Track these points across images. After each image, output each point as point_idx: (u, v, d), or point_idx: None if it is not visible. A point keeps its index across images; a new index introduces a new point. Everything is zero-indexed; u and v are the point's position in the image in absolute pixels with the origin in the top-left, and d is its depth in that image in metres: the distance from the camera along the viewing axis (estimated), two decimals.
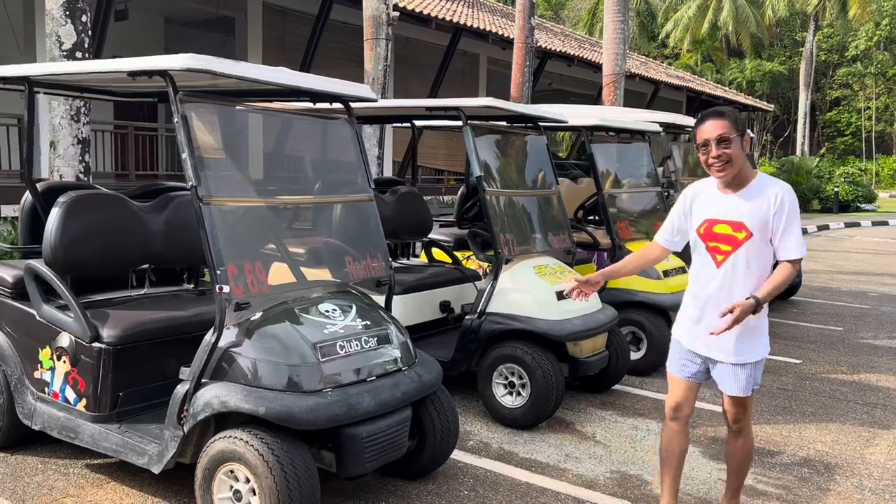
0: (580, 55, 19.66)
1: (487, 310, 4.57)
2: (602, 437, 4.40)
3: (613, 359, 5.06)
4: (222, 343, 3.01)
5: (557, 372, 4.40)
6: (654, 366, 5.67)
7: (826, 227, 20.06)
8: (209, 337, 3.00)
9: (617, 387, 5.32)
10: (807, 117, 35.34)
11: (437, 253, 6.07)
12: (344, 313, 3.33)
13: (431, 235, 6.37)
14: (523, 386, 4.42)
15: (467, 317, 4.62)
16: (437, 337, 5.02)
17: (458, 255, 5.93)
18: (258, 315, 3.10)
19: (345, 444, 3.03)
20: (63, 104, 6.80)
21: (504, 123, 5.44)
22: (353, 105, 5.01)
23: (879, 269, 12.34)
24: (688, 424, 3.21)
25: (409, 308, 4.95)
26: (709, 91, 26.58)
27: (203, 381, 3.00)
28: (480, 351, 4.60)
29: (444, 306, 5.23)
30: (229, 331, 3.04)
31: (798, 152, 33.70)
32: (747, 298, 2.83)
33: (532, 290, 4.64)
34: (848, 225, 20.85)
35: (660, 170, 7.13)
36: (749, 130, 3.34)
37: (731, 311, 2.79)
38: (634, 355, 5.69)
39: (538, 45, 17.47)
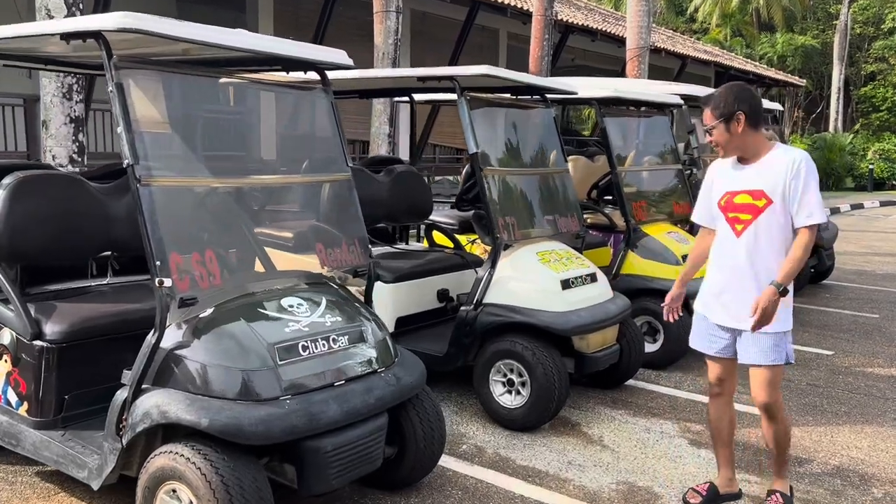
0: (604, 29, 18.96)
1: (484, 300, 4.16)
2: (610, 440, 3.99)
3: (625, 353, 4.63)
4: (165, 344, 2.65)
5: (561, 369, 3.99)
6: (671, 359, 5.23)
7: (860, 206, 19.25)
8: (150, 337, 2.64)
9: (630, 382, 4.89)
10: (840, 92, 34.12)
11: (441, 237, 5.66)
12: (311, 308, 2.95)
13: (433, 218, 5.96)
14: (523, 384, 4.02)
15: (463, 308, 4.22)
16: (434, 329, 4.63)
17: (463, 238, 5.51)
18: (208, 312, 2.73)
19: (306, 458, 2.66)
20: (54, 81, 6.47)
21: (508, 95, 5.00)
22: (335, 76, 4.63)
23: None
24: (733, 397, 3.28)
25: (402, 297, 4.57)
26: (738, 66, 25.66)
27: (144, 387, 2.65)
28: (477, 345, 4.20)
29: (443, 295, 4.83)
30: (174, 330, 2.67)
31: (831, 129, 32.57)
32: (769, 286, 2.87)
33: (534, 278, 4.22)
34: (883, 203, 20.00)
35: (681, 146, 6.61)
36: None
37: (761, 311, 2.85)
38: (650, 347, 5.25)
39: (560, 18, 16.85)
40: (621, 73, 18.12)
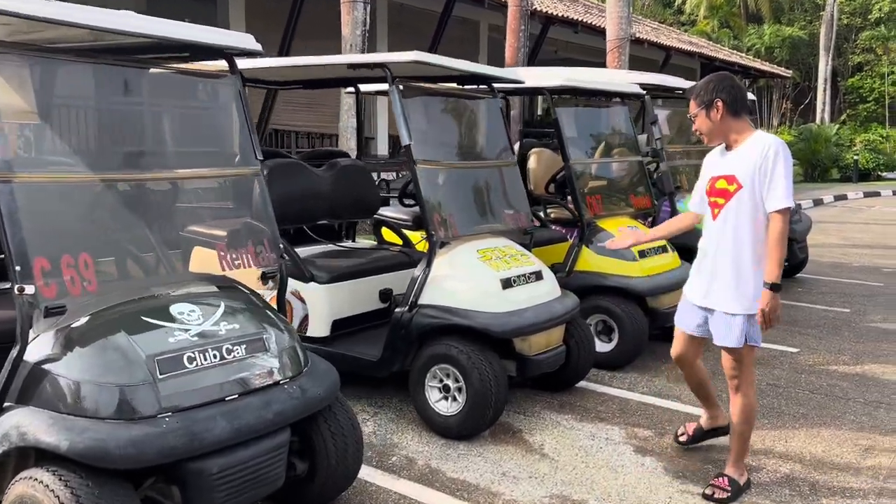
0: (585, 20, 18.70)
1: (420, 301, 3.93)
2: (551, 448, 3.77)
3: (573, 354, 4.41)
4: (30, 358, 2.41)
5: (499, 373, 3.77)
6: (627, 359, 5.02)
7: (844, 197, 19.10)
8: (13, 350, 2.40)
9: (581, 384, 4.68)
10: (827, 83, 33.93)
11: (391, 234, 5.42)
12: (204, 316, 2.71)
13: (384, 213, 5.73)
14: (459, 390, 3.80)
15: (397, 309, 3.99)
16: (374, 331, 4.40)
17: (417, 235, 5.28)
18: (82, 321, 2.49)
19: (189, 480, 2.43)
20: None
21: (454, 85, 4.76)
22: (259, 64, 4.39)
23: None
24: (697, 362, 3.52)
25: (339, 298, 4.33)
26: (723, 57, 25.46)
27: (6, 405, 2.41)
28: (413, 349, 3.97)
29: (386, 295, 4.60)
30: (40, 342, 2.43)
31: (818, 120, 32.41)
32: (763, 290, 3.02)
33: (472, 277, 3.99)
34: (867, 194, 19.86)
35: (644, 137, 6.39)
36: (750, 94, 3.64)
37: (762, 314, 3.03)
38: (605, 347, 5.04)
39: (539, 9, 16.60)
40: (603, 66, 17.91)
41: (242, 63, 4.44)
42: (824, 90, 33.56)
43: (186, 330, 2.62)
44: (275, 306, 3.12)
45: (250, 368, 2.70)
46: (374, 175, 11.26)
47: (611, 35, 14.51)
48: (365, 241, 5.45)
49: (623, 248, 3.89)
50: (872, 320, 6.59)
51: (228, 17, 13.71)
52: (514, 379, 4.10)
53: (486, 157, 4.66)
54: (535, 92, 5.56)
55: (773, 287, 3.00)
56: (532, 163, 6.73)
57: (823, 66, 33.40)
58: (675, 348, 3.48)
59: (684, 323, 3.42)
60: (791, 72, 34.09)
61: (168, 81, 3.16)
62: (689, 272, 3.41)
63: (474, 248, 4.13)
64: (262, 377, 2.72)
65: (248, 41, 3.12)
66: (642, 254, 5.19)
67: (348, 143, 10.69)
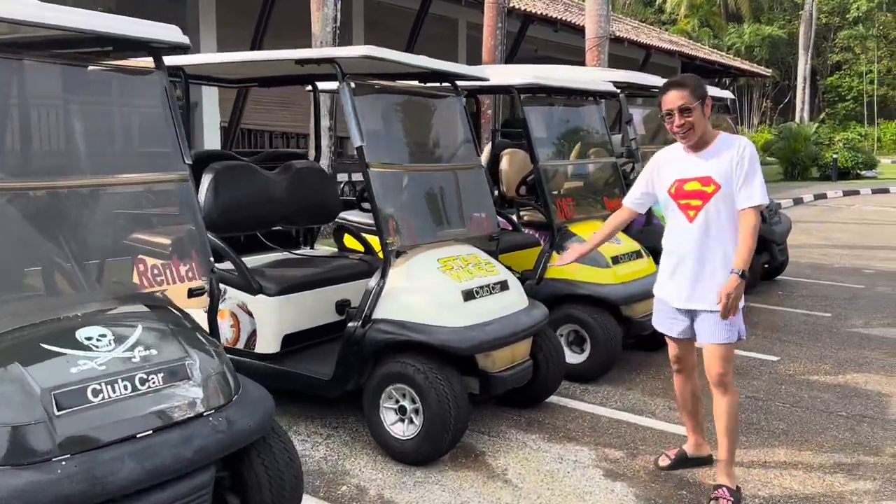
0: (564, 19, 18.48)
1: (374, 315, 3.65)
2: (515, 473, 3.50)
3: (542, 368, 4.16)
4: None
5: (458, 394, 3.50)
6: (600, 371, 4.77)
7: (823, 196, 19.02)
8: None
9: (552, 399, 4.42)
10: (806, 82, 34.03)
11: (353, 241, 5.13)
12: (117, 341, 2.42)
13: (347, 218, 5.45)
14: (416, 412, 3.52)
15: (350, 324, 3.70)
16: (329, 346, 4.10)
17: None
18: None
19: None
20: None
21: (416, 83, 4.48)
22: (200, 60, 4.09)
23: (877, 242, 11.39)
24: (696, 371, 3.42)
25: (290, 312, 4.04)
26: (703, 56, 25.39)
27: None
28: (366, 367, 3.69)
29: (343, 307, 4.30)
30: None
31: (797, 118, 32.48)
32: (730, 274, 3.02)
33: (431, 289, 3.72)
34: (847, 193, 19.81)
35: (619, 137, 6.15)
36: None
37: (725, 298, 2.99)
38: (577, 358, 4.79)
39: (517, 7, 16.36)
40: (583, 64, 17.70)
41: (184, 59, 4.16)
42: (804, 89, 33.65)
43: (94, 358, 2.32)
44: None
45: (168, 400, 2.41)
46: (346, 177, 10.97)
47: (590, 33, 14.29)
48: (325, 248, 5.16)
49: (564, 265, 3.84)
50: (854, 325, 6.40)
51: (198, 14, 13.32)
52: (478, 397, 3.83)
53: (448, 159, 4.39)
54: (502, 90, 5.29)
55: (742, 274, 3.00)
56: (504, 164, 6.48)
57: (803, 65, 33.49)
58: (672, 353, 3.44)
59: (667, 328, 3.37)
60: (770, 71, 34.18)
61: (86, 78, 2.85)
62: (660, 276, 3.39)
63: (434, 258, 3.86)
64: (182, 409, 2.42)
65: (173, 34, 2.82)
66: (615, 260, 4.95)
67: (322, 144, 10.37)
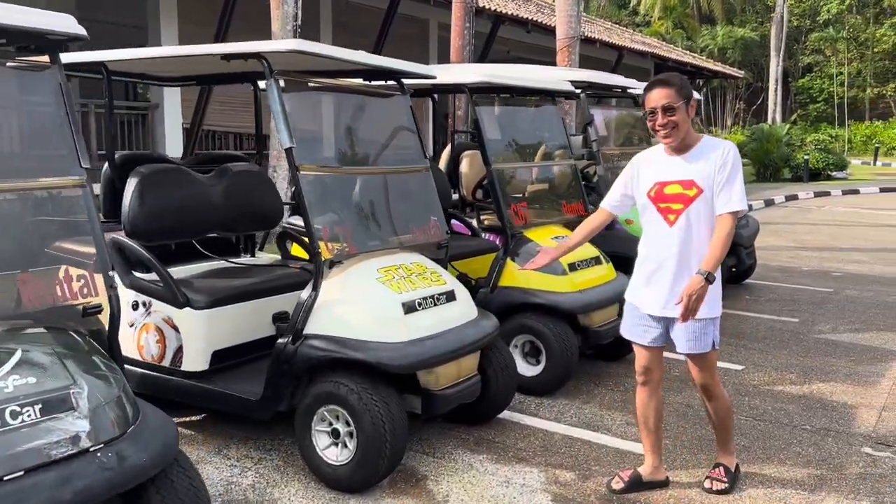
0: (535, 19, 18.31)
1: (305, 330, 3.39)
2: (457, 499, 3.26)
3: (492, 383, 3.92)
4: None
5: (396, 416, 3.24)
6: (556, 383, 4.54)
7: (795, 197, 19.06)
8: None
9: (505, 414, 4.18)
10: (778, 84, 34.29)
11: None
12: None
13: (293, 223, 5.16)
14: (350, 435, 3.26)
15: (280, 340, 3.43)
16: (261, 363, 3.82)
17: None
18: None
19: None
20: None
21: (360, 81, 4.22)
22: (121, 56, 3.81)
23: (846, 244, 11.33)
24: (660, 385, 3.34)
25: (220, 326, 3.76)
26: (675, 57, 25.41)
27: None
28: (298, 386, 3.42)
29: (280, 319, 4.03)
30: None
31: (769, 120, 32.68)
32: (695, 275, 2.93)
33: (368, 301, 3.46)
34: (817, 194, 19.87)
35: (580, 138, 5.94)
36: (697, 93, 3.30)
37: (687, 298, 2.89)
38: (532, 370, 4.56)
39: (487, 7, 16.16)
40: (555, 66, 17.53)
41: (103, 55, 3.87)
42: (776, 90, 33.91)
43: None
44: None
45: (46, 435, 2.13)
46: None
47: (560, 34, 14.13)
48: (268, 256, 4.87)
49: (535, 269, 3.55)
50: (821, 331, 6.25)
51: (159, 8, 12.92)
52: (421, 416, 3.58)
53: (393, 162, 4.12)
54: (453, 89, 5.05)
55: (708, 277, 2.91)
56: (464, 166, 6.24)
57: (774, 67, 33.77)
58: (639, 363, 3.30)
59: (638, 335, 3.26)
60: (743, 72, 34.39)
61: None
62: (634, 282, 3.29)
63: (374, 267, 3.60)
64: (62, 445, 2.15)
65: (67, 24, 2.54)
66: (572, 266, 4.73)
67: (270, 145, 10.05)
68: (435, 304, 3.65)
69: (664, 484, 3.36)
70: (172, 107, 12.66)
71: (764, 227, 8.55)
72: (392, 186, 4.03)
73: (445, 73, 4.77)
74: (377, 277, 3.55)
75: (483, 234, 5.64)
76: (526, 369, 4.57)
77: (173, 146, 12.55)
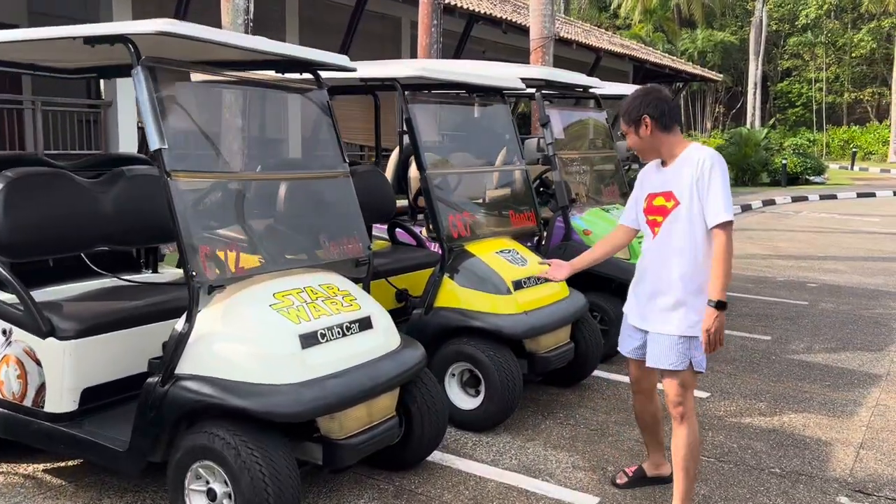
0: (510, 19, 17.83)
1: (178, 369, 2.83)
2: None
3: (416, 424, 3.38)
4: None
5: (284, 473, 2.69)
6: (496, 418, 4.01)
7: (772, 202, 18.77)
8: None
9: (436, 455, 3.65)
10: (757, 88, 34.18)
11: None
12: None
13: None
14: (229, 496, 2.71)
15: (150, 379, 2.87)
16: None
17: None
18: None
19: None
20: None
21: (272, 73, 3.66)
22: None
23: (823, 251, 10.95)
24: (655, 392, 3.26)
25: (92, 359, 3.18)
26: (654, 60, 25.08)
27: None
28: (169, 437, 2.86)
29: None
30: None
31: (748, 124, 32.50)
32: (707, 307, 2.85)
33: (257, 333, 2.91)
34: (795, 199, 19.59)
35: (535, 141, 5.42)
36: (670, 95, 3.12)
37: (706, 335, 2.84)
38: (471, 403, 4.04)
39: (459, 5, 15.66)
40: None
41: None
42: (755, 94, 33.80)
43: None
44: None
45: None
46: None
47: (534, 34, 13.65)
48: (171, 272, 4.29)
49: (559, 280, 3.50)
50: (795, 350, 5.78)
51: (111, 1, 12.26)
52: (322, 468, 3.03)
53: (304, 166, 3.58)
54: (383, 86, 4.51)
55: (718, 305, 2.81)
56: (413, 170, 5.71)
57: (753, 71, 33.66)
58: (631, 373, 3.30)
59: (625, 345, 3.24)
60: (721, 76, 34.19)
61: None
62: (629, 292, 3.24)
63: (268, 292, 3.04)
64: None
65: None
66: (517, 284, 4.21)
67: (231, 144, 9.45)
68: (344, 335, 3.11)
69: (669, 480, 3.28)
70: (127, 103, 11.99)
71: (740, 234, 8.12)
72: (299, 194, 3.48)
73: (378, 68, 4.23)
74: (271, 304, 2.99)
75: (431, 245, 5.13)
76: (464, 401, 4.06)
77: (127, 145, 11.90)
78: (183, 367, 2.81)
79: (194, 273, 2.77)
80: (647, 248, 3.11)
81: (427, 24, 12.33)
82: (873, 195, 21.05)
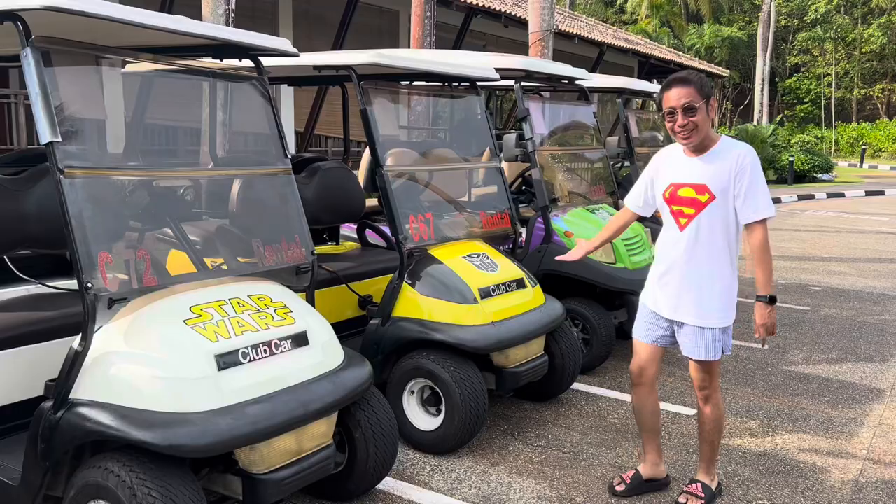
0: (510, 12, 17.43)
1: (73, 394, 2.47)
2: None
3: (360, 452, 3.02)
4: None
5: None
6: (456, 440, 3.63)
7: (777, 200, 18.29)
8: None
9: (387, 483, 3.29)
10: (765, 84, 33.57)
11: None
12: None
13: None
14: None
15: (43, 404, 2.52)
16: None
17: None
18: None
19: None
20: None
21: (214, 62, 3.30)
22: None
23: (828, 253, 10.52)
24: (655, 385, 3.24)
25: (21, 373, 2.84)
26: (658, 55, 24.64)
27: None
28: (64, 470, 2.51)
29: None
30: None
31: (756, 120, 31.95)
32: (756, 301, 2.92)
33: (164, 354, 2.55)
34: (801, 197, 19.11)
35: (513, 136, 5.04)
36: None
37: (763, 329, 2.94)
38: (431, 423, 3.68)
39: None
40: None
41: None
42: (762, 90, 33.20)
43: None
44: None
45: None
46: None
47: (533, 27, 13.24)
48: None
49: (571, 260, 3.41)
50: (793, 361, 5.40)
51: None
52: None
53: (237, 163, 3.21)
54: (337, 76, 4.14)
55: (771, 300, 2.89)
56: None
57: (761, 67, 33.04)
58: (636, 362, 3.22)
59: (642, 333, 3.19)
60: (728, 72, 33.67)
61: None
62: (647, 280, 3.19)
63: (184, 305, 2.69)
64: None
65: None
66: (485, 293, 3.84)
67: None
68: (272, 353, 2.75)
69: (666, 483, 3.32)
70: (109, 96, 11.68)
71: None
72: (229, 194, 3.11)
73: (330, 55, 3.87)
74: (186, 319, 2.64)
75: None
76: (423, 421, 3.70)
77: (112, 139, 11.57)
78: (78, 392, 2.46)
79: (90, 284, 2.41)
80: (671, 238, 3.04)
81: (420, 16, 11.97)
82: (882, 193, 20.54)
